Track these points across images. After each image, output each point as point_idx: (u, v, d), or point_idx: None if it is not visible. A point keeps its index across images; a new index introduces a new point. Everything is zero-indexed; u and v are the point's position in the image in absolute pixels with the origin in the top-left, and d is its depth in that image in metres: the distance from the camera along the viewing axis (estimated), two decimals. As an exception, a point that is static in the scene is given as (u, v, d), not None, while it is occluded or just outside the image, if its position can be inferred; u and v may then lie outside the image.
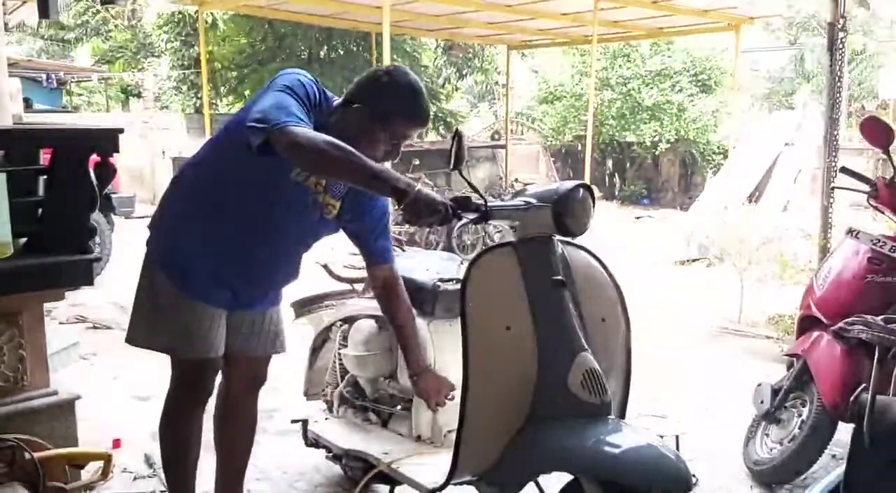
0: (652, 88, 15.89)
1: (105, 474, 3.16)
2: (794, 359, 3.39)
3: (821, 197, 4.49)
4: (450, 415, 2.76)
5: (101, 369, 4.72)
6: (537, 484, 2.46)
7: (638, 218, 13.79)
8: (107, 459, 3.18)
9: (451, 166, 2.26)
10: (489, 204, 2.29)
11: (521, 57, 18.71)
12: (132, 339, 2.53)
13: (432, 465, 2.54)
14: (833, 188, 3.80)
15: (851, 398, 2.19)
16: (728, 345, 5.52)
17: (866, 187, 3.29)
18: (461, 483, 2.37)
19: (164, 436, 2.62)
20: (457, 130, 2.32)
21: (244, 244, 2.45)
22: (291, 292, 3.52)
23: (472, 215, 2.29)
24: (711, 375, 4.86)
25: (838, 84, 4.33)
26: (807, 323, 3.37)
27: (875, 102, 18.80)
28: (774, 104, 22.55)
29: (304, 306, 3.44)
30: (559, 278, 2.24)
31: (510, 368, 2.21)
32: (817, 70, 22.96)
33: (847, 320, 2.31)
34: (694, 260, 9.20)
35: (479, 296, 2.21)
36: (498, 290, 2.24)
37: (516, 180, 13.46)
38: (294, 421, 3.12)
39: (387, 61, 8.87)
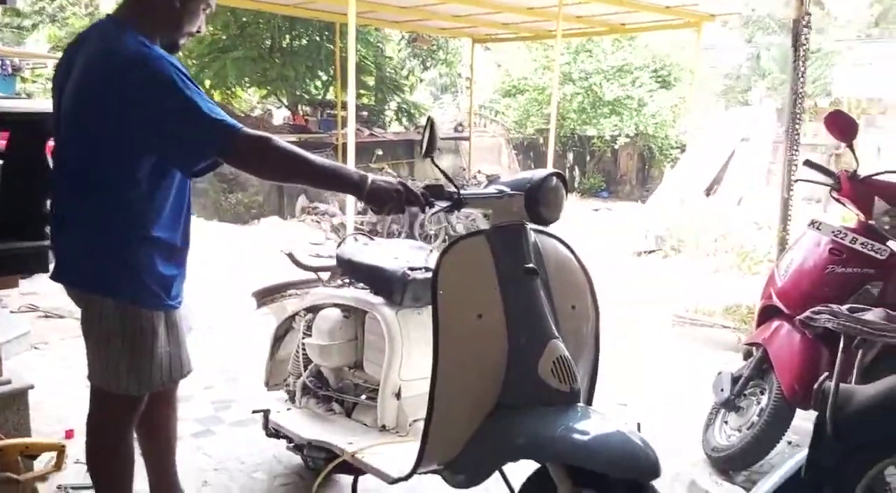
0: (613, 82, 16.02)
1: (59, 465, 3.07)
2: (754, 348, 3.43)
3: (781, 189, 4.55)
4: (416, 405, 2.74)
5: (53, 359, 4.60)
6: (502, 473, 2.45)
7: (596, 210, 13.89)
8: (60, 450, 3.09)
9: (423, 153, 2.24)
10: (462, 192, 2.28)
11: (485, 50, 18.71)
12: (126, 388, 2.27)
13: (398, 454, 2.51)
14: (796, 181, 3.85)
15: (815, 386, 2.21)
16: (685, 334, 5.58)
17: (829, 180, 3.33)
18: (427, 473, 2.34)
19: (106, 463, 2.38)
20: (429, 117, 2.30)
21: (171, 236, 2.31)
22: (254, 282, 3.49)
23: (444, 203, 2.29)
24: (669, 364, 4.91)
25: (801, 79, 4.39)
26: (767, 313, 3.42)
27: (828, 100, 19.18)
28: (731, 101, 22.92)
29: (267, 296, 3.37)
30: (531, 266, 2.23)
31: (481, 356, 2.19)
32: (773, 68, 23.44)
33: (813, 309, 2.34)
34: (651, 251, 9.30)
35: (451, 284, 2.18)
36: (470, 278, 2.22)
37: (479, 172, 13.46)
38: (255, 411, 3.05)
39: (352, 53, 8.75)
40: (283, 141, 2.19)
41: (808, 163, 3.43)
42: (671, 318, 5.91)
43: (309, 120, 13.92)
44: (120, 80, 2.06)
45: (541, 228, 2.39)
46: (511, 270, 2.22)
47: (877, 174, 3.31)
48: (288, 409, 3.04)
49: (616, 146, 16.23)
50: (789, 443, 3.44)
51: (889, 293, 3.08)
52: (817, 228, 3.28)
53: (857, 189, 3.22)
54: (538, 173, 2.33)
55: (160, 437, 2.63)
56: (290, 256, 3.26)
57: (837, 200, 3.35)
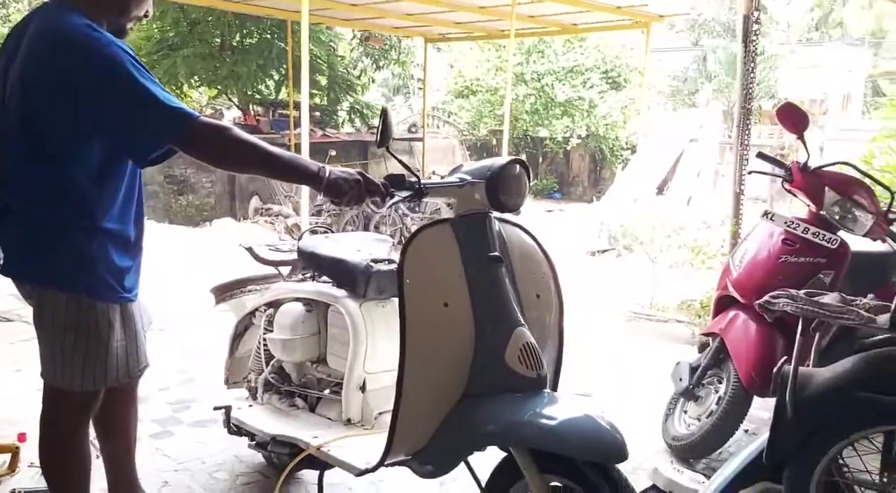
0: (564, 84, 16.19)
1: (13, 467, 3.00)
2: (711, 338, 3.49)
3: (733, 185, 4.65)
4: (381, 398, 2.73)
5: (4, 363, 4.46)
6: (468, 464, 2.45)
7: (549, 211, 14.01)
8: (14, 452, 3.02)
9: (378, 143, 2.22)
10: (423, 182, 2.27)
11: (438, 51, 18.74)
12: (81, 384, 2.19)
13: (364, 447, 2.49)
14: (750, 173, 3.92)
15: (775, 370, 2.26)
16: (641, 329, 5.66)
17: (781, 172, 3.41)
18: (395, 464, 2.33)
19: (61, 463, 2.29)
20: (384, 107, 2.30)
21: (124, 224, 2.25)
22: (208, 280, 3.43)
23: (405, 193, 2.28)
24: (626, 357, 4.98)
25: (752, 74, 4.50)
26: (723, 303, 3.49)
27: (772, 102, 19.65)
28: (678, 103, 23.33)
29: (226, 291, 3.33)
30: (496, 254, 2.24)
31: (448, 344, 2.19)
32: (718, 71, 23.94)
33: (772, 293, 2.39)
34: (604, 251, 9.43)
35: (417, 273, 2.18)
36: (436, 267, 2.22)
37: (434, 173, 13.44)
38: (216, 408, 2.99)
39: (305, 51, 8.68)
40: (241, 131, 2.16)
41: (760, 155, 3.51)
42: (626, 314, 5.99)
43: (260, 120, 13.73)
44: (70, 64, 2.00)
45: (505, 216, 2.41)
46: (476, 258, 2.23)
47: (827, 165, 3.39)
48: (250, 405, 2.99)
49: (568, 147, 16.39)
50: (746, 431, 3.52)
51: (839, 281, 3.17)
52: (771, 219, 3.36)
53: (808, 180, 3.30)
54: (499, 161, 2.32)
55: (119, 437, 2.56)
56: (250, 250, 3.21)
57: (789, 191, 3.43)
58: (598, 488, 1.98)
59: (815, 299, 2.23)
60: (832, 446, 2.18)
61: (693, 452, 3.26)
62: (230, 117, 14.98)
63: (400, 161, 2.42)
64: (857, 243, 3.32)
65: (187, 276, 6.64)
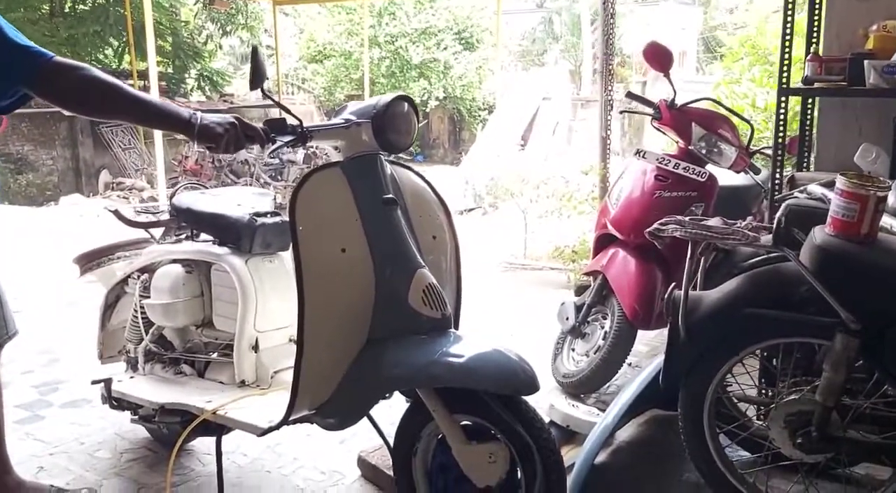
0: (419, 45, 16.15)
1: None
2: (593, 276, 3.58)
3: (599, 129, 4.79)
4: (275, 356, 2.62)
5: None
6: (370, 418, 2.39)
7: (414, 174, 13.96)
8: None
9: (251, 85, 2.09)
10: (305, 125, 2.16)
11: (286, 16, 18.17)
12: None
13: (263, 406, 2.38)
14: (621, 112, 4.04)
15: (665, 296, 2.33)
16: (517, 279, 5.77)
17: (649, 110, 3.52)
18: (298, 421, 2.24)
19: None
20: (254, 45, 2.16)
21: None
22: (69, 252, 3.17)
23: (287, 138, 2.16)
24: (507, 304, 5.05)
25: (611, 20, 4.63)
26: (603, 242, 3.58)
27: (617, 59, 20.44)
28: (528, 62, 23.87)
29: (91, 260, 3.08)
30: (390, 196, 2.17)
31: (347, 291, 2.11)
32: (564, 32, 24.65)
33: (661, 220, 2.46)
34: (471, 210, 9.56)
35: (311, 219, 2.07)
36: (329, 211, 2.12)
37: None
38: (95, 382, 2.77)
39: (149, 16, 8.16)
40: (103, 73, 1.97)
41: (629, 95, 3.60)
42: (501, 265, 6.08)
43: (102, 91, 12.84)
44: None
45: (394, 159, 2.34)
46: (370, 201, 2.14)
47: (692, 102, 3.53)
48: (131, 377, 2.79)
49: (427, 110, 16.40)
50: (629, 365, 3.65)
51: (710, 213, 3.32)
52: (643, 157, 3.46)
53: (675, 117, 3.42)
54: (384, 98, 2.22)
55: None
56: (116, 212, 2.96)
57: (658, 129, 3.55)
58: (508, 423, 1.96)
59: (703, 222, 2.31)
60: (724, 363, 2.28)
61: (583, 387, 3.33)
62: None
63: (279, 104, 2.30)
64: (720, 177, 3.48)
65: (38, 255, 6.17)
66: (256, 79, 2.06)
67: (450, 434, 1.99)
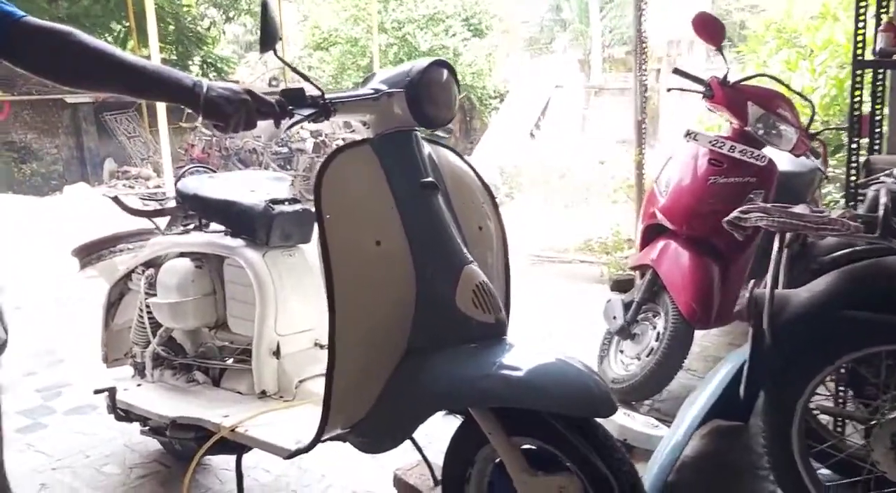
0: (427, 32, 15.81)
1: None
2: (640, 271, 3.29)
3: (634, 113, 4.49)
4: (299, 363, 2.33)
5: None
6: (411, 438, 2.08)
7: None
8: None
9: (262, 47, 1.72)
10: (328, 96, 1.83)
11: (289, 2, 17.83)
12: None
13: (289, 422, 2.10)
14: (669, 90, 3.72)
15: (747, 294, 2.03)
16: (546, 271, 5.47)
17: (700, 88, 3.21)
18: (330, 440, 1.94)
19: None
20: (263, 2, 1.73)
21: None
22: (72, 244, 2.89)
23: (308, 111, 1.81)
24: (540, 301, 4.74)
25: (643, 4, 4.36)
26: (651, 233, 3.27)
27: (624, 48, 20.05)
28: (536, 50, 23.48)
29: (92, 252, 2.80)
30: (430, 180, 1.84)
31: (385, 290, 1.79)
32: (573, 19, 24.24)
33: (741, 208, 2.15)
34: (484, 201, 9.24)
35: (339, 206, 1.76)
36: (360, 198, 1.79)
37: (302, 127, 12.81)
38: (97, 391, 2.49)
39: (150, 7, 7.82)
40: (88, 35, 1.64)
41: (677, 71, 3.29)
42: (528, 258, 5.78)
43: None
44: None
45: (431, 136, 2.03)
46: (407, 186, 1.82)
47: (745, 79, 3.23)
48: (138, 385, 2.52)
49: (437, 97, 16.07)
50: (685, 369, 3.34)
51: (770, 202, 3.01)
52: (694, 139, 3.16)
53: (729, 95, 3.11)
54: (419, 64, 1.86)
55: None
56: (116, 199, 2.67)
57: (710, 109, 3.25)
58: (581, 451, 1.63)
59: (790, 210, 2.01)
60: (816, 373, 1.98)
61: (636, 393, 3.01)
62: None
63: (296, 70, 1.95)
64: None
65: (43, 247, 5.90)
66: (268, 39, 1.70)
67: (509, 462, 1.68)
